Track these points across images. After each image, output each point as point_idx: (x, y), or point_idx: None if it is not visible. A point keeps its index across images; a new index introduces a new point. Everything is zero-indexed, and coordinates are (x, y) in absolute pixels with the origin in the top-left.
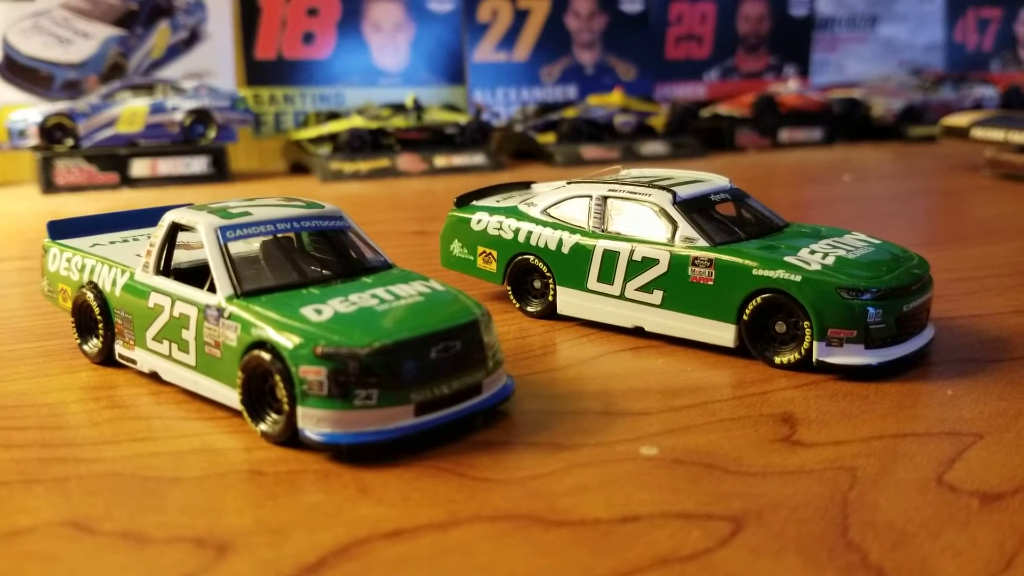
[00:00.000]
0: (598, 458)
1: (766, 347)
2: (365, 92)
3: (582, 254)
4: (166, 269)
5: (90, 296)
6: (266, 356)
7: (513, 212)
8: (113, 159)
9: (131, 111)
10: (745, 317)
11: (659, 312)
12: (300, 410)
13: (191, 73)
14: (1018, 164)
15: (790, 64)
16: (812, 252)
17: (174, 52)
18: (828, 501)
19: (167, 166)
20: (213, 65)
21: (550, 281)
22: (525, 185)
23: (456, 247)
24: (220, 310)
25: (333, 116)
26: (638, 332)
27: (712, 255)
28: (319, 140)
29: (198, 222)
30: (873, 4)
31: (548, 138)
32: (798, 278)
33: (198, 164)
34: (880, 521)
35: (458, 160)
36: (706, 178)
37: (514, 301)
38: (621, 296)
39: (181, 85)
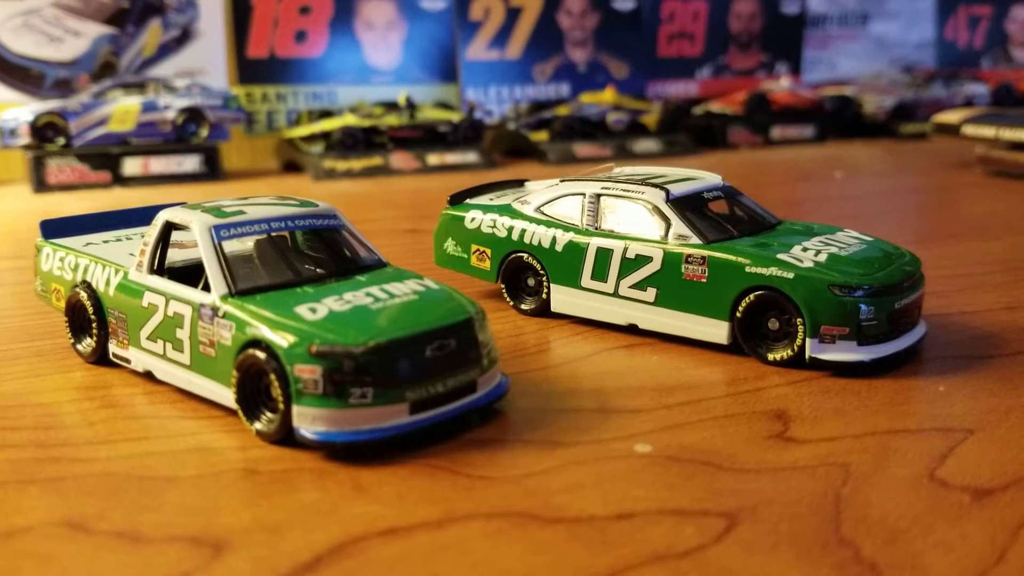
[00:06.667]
0: (593, 455)
1: (759, 344)
2: (357, 90)
3: (576, 252)
4: (160, 268)
5: (84, 295)
6: (261, 355)
7: (506, 210)
8: (105, 158)
9: (123, 110)
10: (738, 314)
11: (653, 309)
12: (295, 409)
13: (183, 71)
14: (1009, 161)
15: (782, 62)
16: (805, 249)
17: (166, 50)
18: (821, 497)
19: (159, 165)
20: (205, 63)
21: (544, 279)
22: (518, 183)
23: (450, 245)
24: (214, 309)
25: (326, 114)
26: (632, 330)
27: (705, 252)
28: (312, 138)
29: (192, 221)
30: (864, 2)
31: (541, 136)
32: (791, 275)
33: (190, 163)
34: (873, 517)
35: (451, 158)
36: (699, 176)
37: (508, 299)
38: (615, 294)
39: (173, 83)
